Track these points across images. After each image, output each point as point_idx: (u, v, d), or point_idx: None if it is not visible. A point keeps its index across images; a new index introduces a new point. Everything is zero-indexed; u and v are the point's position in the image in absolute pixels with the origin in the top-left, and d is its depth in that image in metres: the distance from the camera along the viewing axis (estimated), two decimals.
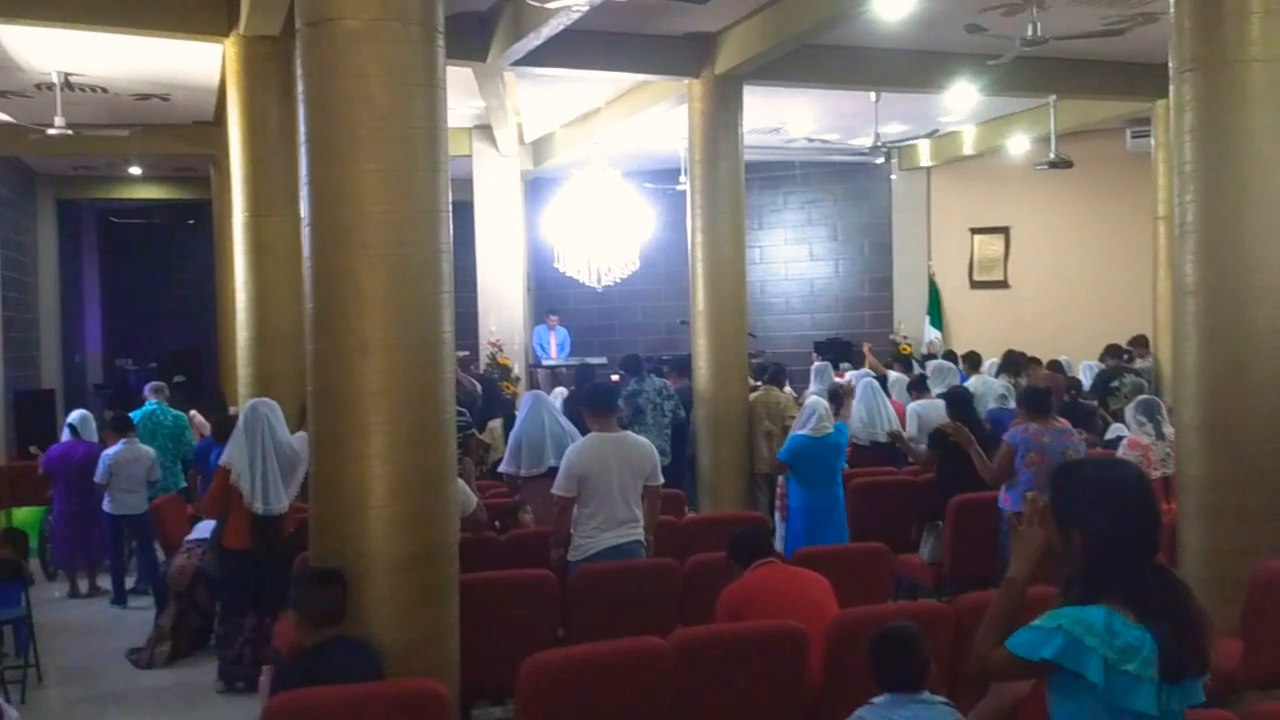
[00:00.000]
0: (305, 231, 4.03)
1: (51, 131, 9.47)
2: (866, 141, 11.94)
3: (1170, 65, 5.15)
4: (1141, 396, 7.08)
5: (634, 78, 10.19)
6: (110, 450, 8.16)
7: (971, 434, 6.59)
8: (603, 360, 12.83)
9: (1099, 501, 2.24)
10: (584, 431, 6.02)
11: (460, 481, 5.58)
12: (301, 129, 4.02)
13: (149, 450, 8.29)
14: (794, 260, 15.79)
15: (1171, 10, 5.16)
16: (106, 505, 8.12)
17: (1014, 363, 10.33)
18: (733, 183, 9.39)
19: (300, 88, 4.01)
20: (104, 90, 10.30)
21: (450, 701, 3.66)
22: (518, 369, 12.93)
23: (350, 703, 3.47)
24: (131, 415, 8.74)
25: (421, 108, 3.97)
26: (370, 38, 3.89)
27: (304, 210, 4.02)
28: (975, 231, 14.62)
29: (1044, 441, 6.14)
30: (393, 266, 3.91)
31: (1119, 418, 8.66)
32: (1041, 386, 7.19)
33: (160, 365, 15.81)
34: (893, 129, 12.76)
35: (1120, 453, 6.44)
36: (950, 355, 11.48)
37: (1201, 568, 4.88)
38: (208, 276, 13.53)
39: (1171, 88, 5.15)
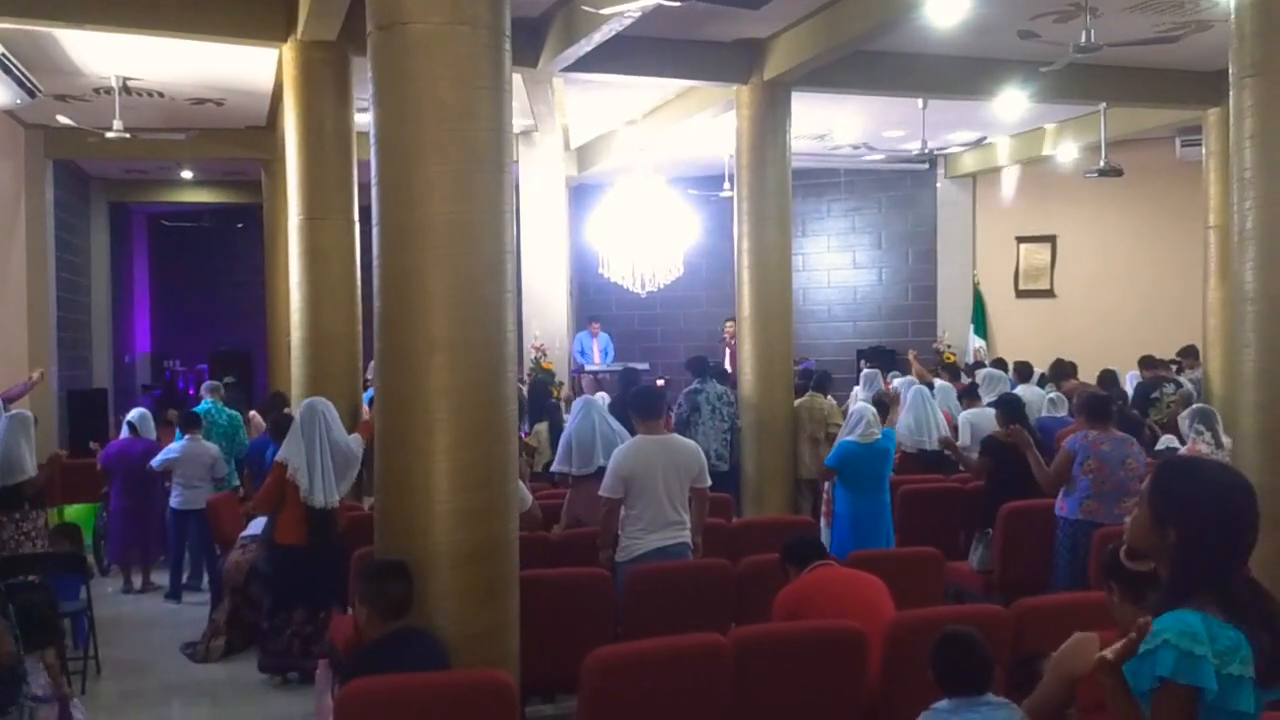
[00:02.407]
0: (374, 232, 4.11)
1: (110, 135, 9.62)
2: (913, 148, 11.89)
3: (1230, 71, 5.11)
4: (1196, 405, 7.01)
5: (681, 84, 10.25)
6: (175, 445, 8.31)
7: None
8: (645, 366, 12.87)
9: (1205, 502, 2.18)
10: (633, 433, 6.07)
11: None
12: (372, 131, 4.09)
13: (212, 447, 8.43)
14: (837, 268, 15.74)
15: (1232, 16, 5.13)
16: (173, 500, 8.27)
17: (1061, 372, 10.25)
18: (779, 189, 9.40)
19: (371, 90, 4.09)
20: (160, 95, 10.48)
21: (515, 692, 3.71)
22: (559, 374, 12.99)
23: (421, 690, 3.53)
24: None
25: (488, 110, 4.04)
26: (439, 41, 3.96)
27: (374, 211, 4.10)
28: (1021, 240, 14.51)
29: (1103, 449, 6.09)
30: (459, 267, 3.97)
31: (1164, 429, 8.57)
32: (1102, 394, 7.13)
33: (210, 366, 16.05)
34: (939, 136, 12.71)
35: None
36: (998, 363, 11.40)
37: (1258, 575, 4.81)
38: (256, 279, 13.70)
39: (1232, 93, 5.11)
